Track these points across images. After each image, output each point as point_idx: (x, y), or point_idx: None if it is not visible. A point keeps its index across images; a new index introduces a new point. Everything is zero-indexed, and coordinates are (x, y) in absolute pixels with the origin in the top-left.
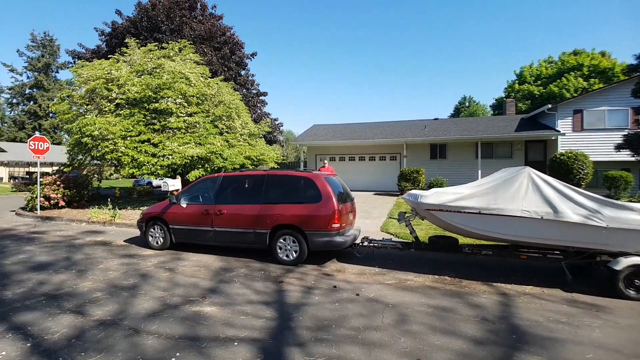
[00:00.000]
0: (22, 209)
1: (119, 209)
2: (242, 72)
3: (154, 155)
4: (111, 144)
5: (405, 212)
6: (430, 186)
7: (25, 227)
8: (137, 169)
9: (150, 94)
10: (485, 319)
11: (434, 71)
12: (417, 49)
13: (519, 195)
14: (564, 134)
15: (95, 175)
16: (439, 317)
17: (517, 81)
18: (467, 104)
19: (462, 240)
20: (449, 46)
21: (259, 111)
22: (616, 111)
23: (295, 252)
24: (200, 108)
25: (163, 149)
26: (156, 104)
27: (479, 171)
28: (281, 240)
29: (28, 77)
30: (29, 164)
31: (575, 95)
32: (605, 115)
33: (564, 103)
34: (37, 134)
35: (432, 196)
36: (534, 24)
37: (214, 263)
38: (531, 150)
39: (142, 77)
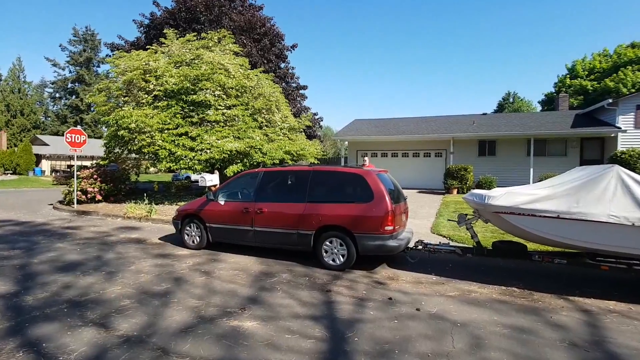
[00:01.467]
0: (60, 202)
1: (156, 204)
2: (282, 65)
3: (191, 149)
4: (148, 137)
5: (466, 214)
6: (478, 185)
7: (60, 222)
8: (174, 163)
9: (188, 85)
10: (574, 345)
11: (478, 66)
12: (461, 42)
13: (605, 198)
14: (625, 131)
15: (134, 168)
16: (519, 341)
17: (568, 75)
18: (511, 99)
19: (529, 246)
20: (494, 40)
21: (298, 105)
22: None
23: (343, 256)
24: (239, 100)
25: (201, 142)
26: (194, 96)
27: (531, 170)
28: (327, 243)
29: (70, 72)
30: (70, 158)
31: (634, 90)
32: None
33: (626, 97)
34: (78, 127)
35: (503, 197)
36: (585, 14)
37: (253, 266)
38: (587, 148)
39: (180, 68)
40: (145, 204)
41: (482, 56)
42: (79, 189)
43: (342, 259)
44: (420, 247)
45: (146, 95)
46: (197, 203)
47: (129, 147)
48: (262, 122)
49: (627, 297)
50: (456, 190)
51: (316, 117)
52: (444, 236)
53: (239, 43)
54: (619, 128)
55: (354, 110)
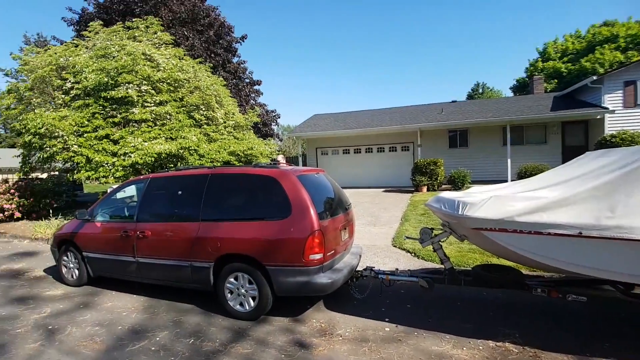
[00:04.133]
0: None
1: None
2: (234, 60)
3: (114, 154)
4: (60, 142)
5: (431, 229)
6: (450, 180)
7: None
8: (93, 172)
9: (106, 80)
10: None
11: (445, 57)
12: (423, 31)
13: None
14: (612, 112)
15: (65, 179)
16: None
17: (540, 59)
18: (480, 90)
19: (522, 269)
20: (460, 29)
21: (252, 102)
22: None
23: (254, 299)
24: (171, 96)
25: (124, 145)
26: (113, 92)
27: (509, 160)
28: (231, 280)
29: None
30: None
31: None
32: None
33: (612, 73)
34: None
35: (488, 204)
36: None
37: (129, 316)
38: (570, 134)
39: (98, 60)
40: (57, 221)
41: (449, 46)
42: None
43: (252, 304)
44: (367, 274)
45: (64, 96)
46: (73, 224)
47: (40, 155)
48: (200, 120)
49: None
50: (426, 187)
51: (273, 114)
52: (409, 251)
53: (180, 35)
54: (606, 108)
55: (316, 107)
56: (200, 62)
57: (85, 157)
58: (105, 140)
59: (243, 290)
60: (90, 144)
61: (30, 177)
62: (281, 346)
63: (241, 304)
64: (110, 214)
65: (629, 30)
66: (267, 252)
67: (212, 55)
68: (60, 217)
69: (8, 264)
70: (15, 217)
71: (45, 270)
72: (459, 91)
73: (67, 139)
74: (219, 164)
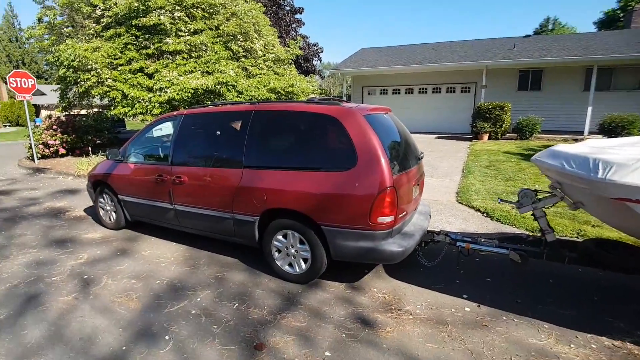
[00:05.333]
0: (27, 158)
1: None
2: None
3: (149, 89)
4: (94, 75)
5: (534, 191)
6: (517, 128)
7: (2, 183)
8: (130, 108)
9: (136, 5)
10: None
11: None
12: None
13: None
14: None
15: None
16: None
17: None
18: (550, 26)
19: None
20: None
21: (293, 33)
22: None
23: (305, 260)
24: (207, 24)
25: (159, 80)
26: (145, 19)
27: (589, 108)
28: (280, 238)
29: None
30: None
31: None
32: None
33: None
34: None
35: None
36: None
37: (168, 268)
38: None
39: None
40: (98, 158)
41: None
42: (41, 142)
43: (303, 266)
44: (440, 239)
45: (95, 25)
46: (107, 165)
47: (77, 90)
48: (238, 52)
49: None
50: (487, 135)
51: (315, 47)
52: (479, 210)
53: None
54: None
55: (360, 44)
56: None
57: (120, 92)
58: (139, 74)
59: (293, 250)
60: (124, 78)
61: (71, 113)
62: (340, 321)
63: (290, 265)
64: (143, 155)
65: None
66: (324, 209)
67: None
68: (101, 154)
69: (51, 202)
70: (60, 153)
71: (85, 210)
72: (522, 27)
73: (100, 72)
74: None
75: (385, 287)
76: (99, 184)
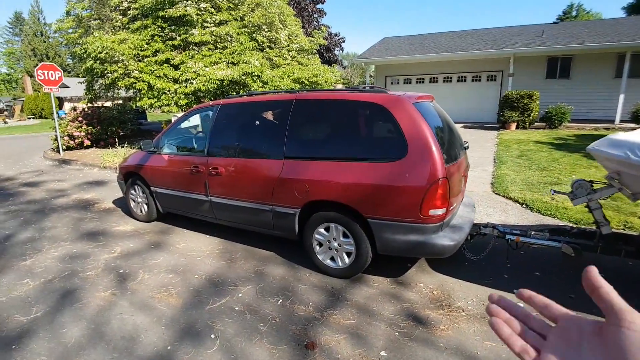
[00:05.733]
0: (52, 149)
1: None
2: None
3: (175, 80)
4: (121, 67)
5: (590, 181)
6: (546, 117)
7: (29, 174)
8: (156, 99)
9: None
10: None
11: None
12: None
13: None
14: None
15: (128, 107)
16: None
17: None
18: (574, 13)
19: None
20: None
21: (315, 23)
22: None
23: (349, 255)
24: (232, 15)
25: (185, 71)
26: (171, 11)
27: (621, 96)
28: (321, 231)
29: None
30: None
31: None
32: None
33: None
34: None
35: None
36: None
37: (204, 262)
38: None
39: None
40: (124, 150)
41: None
42: (66, 133)
43: (346, 260)
44: (488, 232)
45: (122, 17)
46: (139, 156)
47: (103, 81)
48: (263, 43)
49: None
50: (515, 124)
51: (337, 37)
52: (517, 201)
53: None
54: None
55: (383, 33)
56: None
57: (146, 83)
58: (165, 65)
59: (336, 244)
60: (150, 69)
61: (95, 105)
62: (391, 319)
63: (332, 259)
64: (177, 146)
65: None
66: (371, 201)
67: None
68: (126, 145)
69: (79, 194)
70: (85, 145)
71: (114, 202)
72: (546, 15)
73: (127, 63)
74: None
75: (431, 282)
76: (130, 176)
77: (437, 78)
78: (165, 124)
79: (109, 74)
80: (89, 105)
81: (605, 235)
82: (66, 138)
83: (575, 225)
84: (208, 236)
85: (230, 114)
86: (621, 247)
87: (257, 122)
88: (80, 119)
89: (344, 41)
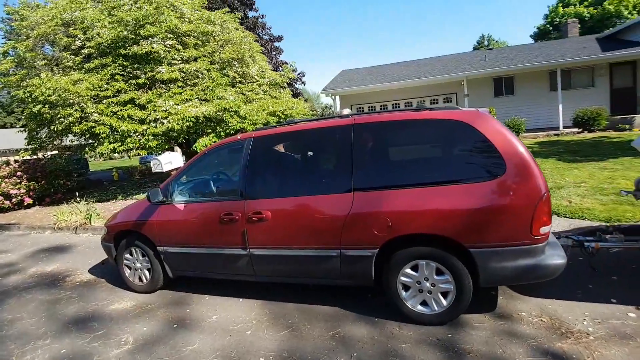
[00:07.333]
0: None
1: (105, 201)
2: (250, 14)
3: (141, 120)
4: (77, 110)
5: None
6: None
7: None
8: (120, 143)
9: (126, 34)
10: None
11: (446, 9)
12: None
13: None
14: None
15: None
16: None
17: (560, 4)
18: (486, 42)
19: None
20: None
21: (274, 60)
22: None
23: (445, 295)
24: (200, 51)
25: (154, 110)
26: (136, 48)
27: (560, 106)
28: (409, 272)
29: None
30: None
31: (635, 12)
32: None
33: None
34: None
35: None
36: None
37: (257, 335)
38: (618, 76)
39: (115, 12)
40: (86, 204)
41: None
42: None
43: (444, 302)
44: (564, 242)
45: (74, 57)
46: (136, 210)
47: (53, 128)
48: (234, 78)
49: None
50: None
51: (297, 72)
52: None
53: None
54: None
55: (337, 67)
56: (225, 13)
57: (108, 126)
58: (129, 105)
59: (428, 284)
60: (112, 111)
61: (37, 157)
62: None
63: (424, 303)
64: (197, 192)
65: None
66: (473, 228)
67: (229, 9)
68: (84, 200)
69: (37, 266)
70: (25, 204)
71: (92, 272)
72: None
73: (84, 106)
74: (261, 127)
75: (531, 309)
76: (124, 236)
77: (399, 104)
78: (117, 172)
79: (62, 119)
80: (34, 156)
81: None
82: (0, 198)
83: (606, 224)
84: (241, 299)
85: (268, 147)
86: None
87: (310, 153)
88: (19, 173)
89: (304, 75)
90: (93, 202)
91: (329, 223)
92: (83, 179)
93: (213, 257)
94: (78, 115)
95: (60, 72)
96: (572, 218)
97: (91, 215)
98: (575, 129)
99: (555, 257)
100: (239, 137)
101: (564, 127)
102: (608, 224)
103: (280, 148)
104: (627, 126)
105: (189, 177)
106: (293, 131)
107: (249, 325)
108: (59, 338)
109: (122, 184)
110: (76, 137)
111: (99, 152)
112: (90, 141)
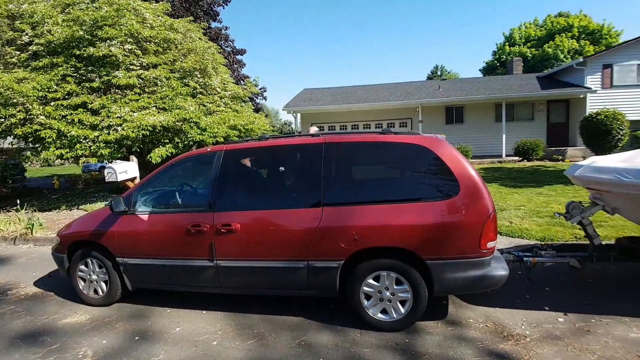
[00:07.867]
0: None
1: (47, 211)
2: (213, 24)
3: (93, 126)
4: (21, 111)
5: (579, 202)
6: None
7: None
8: (68, 149)
9: (81, 34)
10: None
11: (407, 37)
12: (389, 11)
13: None
14: (594, 91)
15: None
16: None
17: (507, 43)
18: (439, 72)
19: None
20: (423, 14)
21: (236, 73)
22: None
23: (403, 303)
24: (161, 58)
25: (107, 116)
26: (93, 49)
27: (504, 136)
28: (371, 282)
29: None
30: None
31: (569, 57)
32: (636, 69)
33: (594, 57)
34: None
35: None
36: None
37: (223, 346)
38: (554, 111)
39: (70, 10)
40: (26, 213)
41: (411, 28)
42: None
43: (402, 310)
44: (505, 257)
45: (18, 52)
46: (95, 219)
47: None
48: (195, 89)
49: None
50: None
51: (259, 88)
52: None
53: None
54: (589, 88)
55: (299, 85)
56: (189, 22)
57: (55, 130)
58: (81, 109)
59: (388, 294)
60: (61, 114)
61: None
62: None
63: (384, 311)
64: (162, 203)
65: (581, 22)
66: (431, 242)
67: (193, 18)
68: (25, 209)
69: None
70: None
71: (37, 285)
72: (418, 73)
73: (30, 107)
74: (220, 140)
75: (478, 316)
76: (79, 247)
77: (357, 125)
78: (58, 180)
79: (2, 120)
80: None
81: (597, 246)
82: None
83: (541, 243)
84: (205, 312)
85: (240, 161)
86: (610, 254)
87: (282, 168)
88: None
89: (265, 91)
90: (33, 211)
91: (298, 236)
92: (20, 185)
93: (177, 268)
94: (22, 117)
95: (2, 68)
96: (512, 237)
97: (33, 225)
98: (516, 158)
99: (500, 269)
100: (209, 150)
101: (507, 155)
102: (543, 242)
103: (252, 162)
104: (560, 157)
105: (154, 187)
106: (265, 146)
107: (215, 336)
108: (6, 354)
109: (65, 192)
110: (17, 140)
111: (43, 158)
112: (34, 145)
